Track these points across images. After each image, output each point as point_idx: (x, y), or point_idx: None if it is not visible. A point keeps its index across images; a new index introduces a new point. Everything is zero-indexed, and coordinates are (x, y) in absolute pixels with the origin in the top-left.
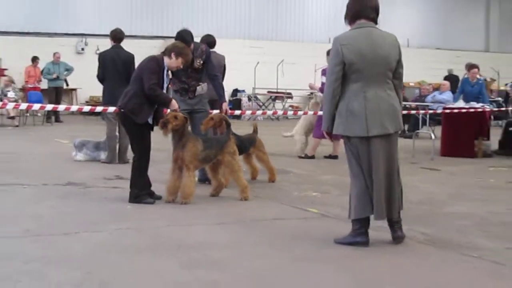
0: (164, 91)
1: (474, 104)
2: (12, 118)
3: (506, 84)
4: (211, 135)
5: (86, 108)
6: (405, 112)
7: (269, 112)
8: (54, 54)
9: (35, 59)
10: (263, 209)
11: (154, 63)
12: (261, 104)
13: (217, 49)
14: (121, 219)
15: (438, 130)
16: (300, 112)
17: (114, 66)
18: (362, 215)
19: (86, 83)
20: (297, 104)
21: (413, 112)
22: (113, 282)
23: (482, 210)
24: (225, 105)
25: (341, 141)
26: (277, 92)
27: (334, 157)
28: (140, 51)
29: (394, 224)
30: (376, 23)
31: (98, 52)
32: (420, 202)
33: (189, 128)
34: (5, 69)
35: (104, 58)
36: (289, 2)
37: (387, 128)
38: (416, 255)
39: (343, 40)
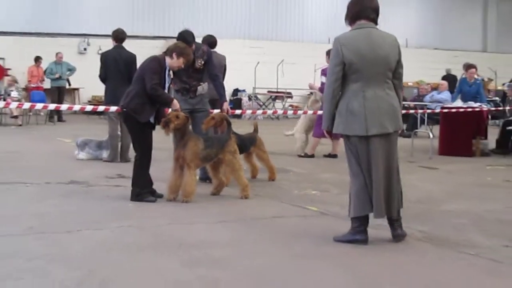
0: (166, 90)
1: (471, 103)
2: (15, 117)
3: (503, 84)
4: (211, 135)
5: (89, 108)
6: (403, 111)
7: (269, 112)
8: (57, 54)
9: (38, 59)
10: (263, 207)
11: (156, 63)
12: (261, 103)
13: (218, 49)
14: (123, 217)
15: (436, 129)
16: (300, 112)
17: (116, 66)
18: (361, 213)
19: (88, 82)
20: (297, 103)
21: (411, 111)
22: (115, 280)
23: (479, 208)
24: (226, 105)
25: (341, 140)
26: (277, 92)
27: (334, 156)
28: (141, 51)
29: (394, 223)
30: (376, 23)
31: (100, 52)
32: (418, 200)
33: (190, 127)
34: (8, 69)
35: (106, 58)
36: (289, 3)
37: (387, 128)
38: (414, 252)
39: (343, 40)
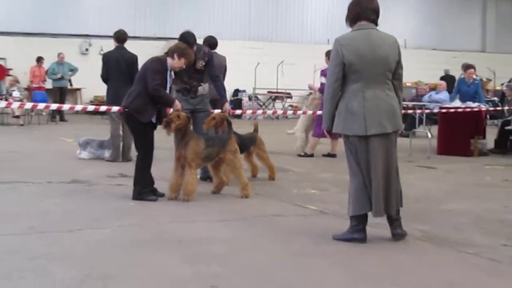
0: (168, 91)
1: (470, 103)
2: (17, 117)
3: (502, 84)
4: (212, 134)
5: (91, 108)
6: (402, 111)
7: (269, 112)
8: (59, 54)
9: (40, 59)
10: (263, 206)
11: (158, 64)
12: (261, 103)
13: (219, 50)
14: (125, 216)
15: (435, 129)
16: (299, 112)
17: (118, 66)
18: (360, 212)
19: (90, 83)
20: (297, 103)
21: (410, 111)
22: (116, 277)
23: (478, 207)
24: (227, 105)
25: (340, 140)
26: (277, 92)
27: (333, 155)
28: (143, 52)
29: (394, 222)
30: (376, 24)
31: (102, 52)
32: (417, 199)
33: (191, 127)
34: (10, 69)
35: (108, 59)
36: (288, 4)
37: (386, 128)
38: (413, 251)
39: (343, 41)
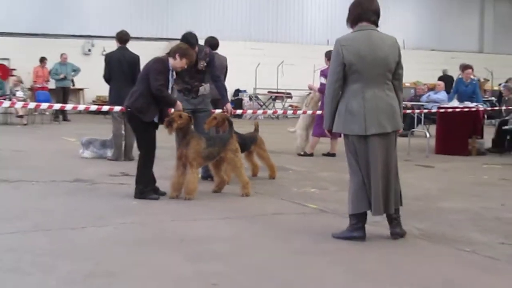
0: (169, 91)
1: (468, 103)
2: (21, 116)
3: (499, 84)
4: (213, 134)
5: (93, 107)
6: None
7: (270, 112)
8: (61, 55)
9: (43, 60)
10: (264, 204)
11: (160, 64)
12: (261, 103)
13: (220, 50)
14: (127, 214)
15: (433, 128)
16: (299, 112)
17: (120, 66)
18: (359, 210)
19: (93, 83)
20: (297, 103)
21: (408, 111)
22: (119, 275)
23: (475, 205)
24: (228, 106)
25: (339, 139)
26: (277, 92)
27: (332, 154)
28: (145, 52)
29: (393, 221)
30: (377, 25)
31: (104, 53)
32: (415, 198)
33: (192, 127)
34: (14, 69)
35: (110, 59)
36: (288, 5)
37: (385, 127)
38: (411, 249)
39: (344, 41)
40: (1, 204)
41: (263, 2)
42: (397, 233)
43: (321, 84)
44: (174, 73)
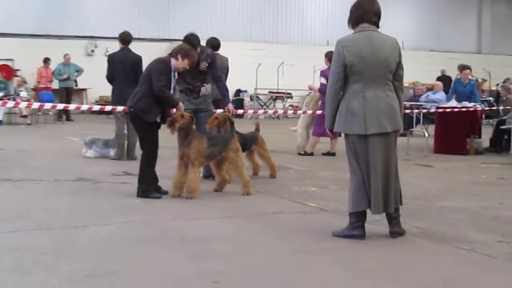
0: (171, 91)
1: (466, 103)
2: (25, 116)
3: (497, 84)
4: (215, 134)
5: (96, 108)
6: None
7: (270, 111)
8: (65, 55)
9: (46, 61)
10: (265, 203)
11: (162, 65)
12: (262, 103)
13: (221, 51)
14: (129, 213)
15: (432, 128)
16: (299, 111)
17: (123, 67)
18: (359, 208)
19: (96, 83)
20: (297, 103)
21: (407, 111)
22: (121, 273)
23: (474, 204)
24: (230, 106)
25: (339, 139)
26: (277, 92)
27: (332, 154)
28: (147, 53)
29: (392, 220)
30: (378, 26)
31: (107, 54)
32: (414, 197)
33: (194, 126)
34: (18, 70)
35: (113, 60)
36: (289, 7)
37: (385, 127)
38: (410, 248)
39: (345, 42)
40: (4, 203)
41: (263, 4)
42: (396, 232)
43: (321, 84)
44: (176, 73)
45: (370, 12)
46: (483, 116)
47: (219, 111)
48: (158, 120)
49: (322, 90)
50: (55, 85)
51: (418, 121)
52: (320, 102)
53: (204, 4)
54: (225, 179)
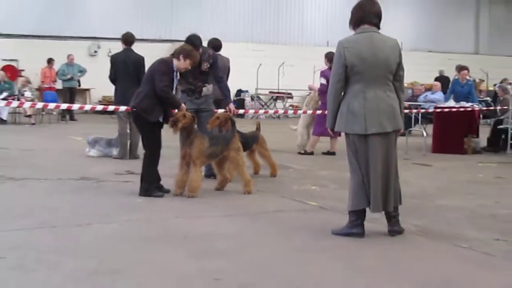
0: (173, 91)
1: (464, 103)
2: (29, 116)
3: (494, 85)
4: (216, 133)
5: (99, 107)
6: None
7: (271, 111)
8: (68, 56)
9: (50, 61)
10: (265, 202)
11: (164, 66)
12: (263, 103)
13: (222, 52)
14: (132, 211)
15: (430, 128)
16: (299, 111)
17: (125, 67)
18: (358, 207)
19: (99, 83)
20: (297, 103)
21: (406, 111)
22: (124, 271)
23: (471, 203)
24: (231, 106)
25: (339, 138)
26: (278, 92)
27: (332, 153)
28: (149, 53)
29: (392, 218)
30: (378, 28)
31: (110, 54)
32: (412, 195)
33: (196, 126)
34: (22, 70)
35: (115, 60)
36: (289, 8)
37: (385, 127)
38: (409, 245)
39: (346, 43)
40: (7, 202)
41: (264, 5)
42: (395, 230)
43: (321, 84)
44: (178, 74)
45: (371, 13)
46: (481, 116)
47: (221, 111)
48: (161, 120)
49: (322, 90)
50: (59, 85)
51: (416, 121)
52: (320, 102)
53: (206, 5)
54: (227, 178)
